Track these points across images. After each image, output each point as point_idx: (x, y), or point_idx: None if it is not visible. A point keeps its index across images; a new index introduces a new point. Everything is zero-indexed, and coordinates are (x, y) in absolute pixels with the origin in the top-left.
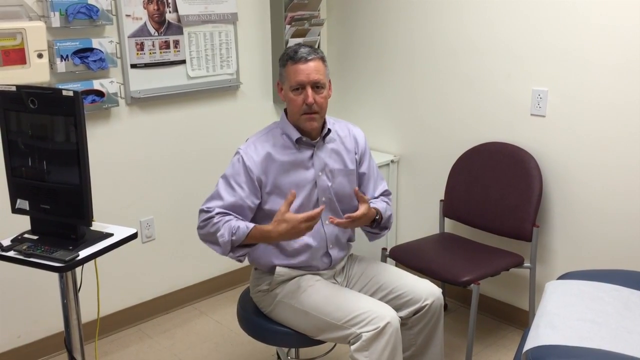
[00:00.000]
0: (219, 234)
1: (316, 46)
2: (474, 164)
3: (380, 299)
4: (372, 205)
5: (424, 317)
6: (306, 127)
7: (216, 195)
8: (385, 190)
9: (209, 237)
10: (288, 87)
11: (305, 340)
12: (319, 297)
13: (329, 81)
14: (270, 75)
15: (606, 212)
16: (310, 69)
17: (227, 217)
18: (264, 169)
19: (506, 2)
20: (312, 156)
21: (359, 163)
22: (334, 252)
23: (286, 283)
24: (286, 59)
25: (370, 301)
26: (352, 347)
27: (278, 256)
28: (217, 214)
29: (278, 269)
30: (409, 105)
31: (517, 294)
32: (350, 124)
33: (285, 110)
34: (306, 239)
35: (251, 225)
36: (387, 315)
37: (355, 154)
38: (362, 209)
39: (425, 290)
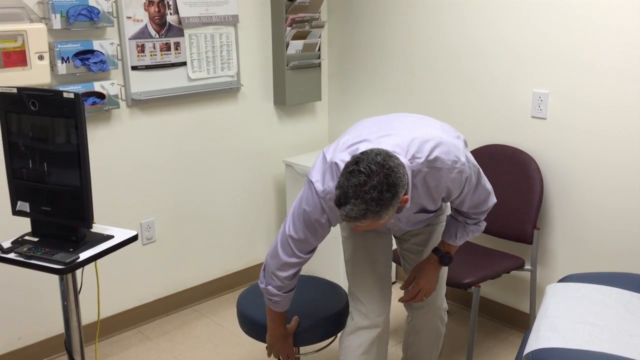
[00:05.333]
0: (273, 284)
1: (316, 49)
2: None
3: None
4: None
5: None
6: None
7: (303, 235)
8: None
9: (271, 268)
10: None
11: (305, 339)
12: (355, 246)
13: (404, 193)
14: (271, 77)
15: (607, 215)
16: (358, 226)
17: (294, 284)
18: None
19: (507, 4)
20: None
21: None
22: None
23: None
24: (335, 201)
25: (380, 295)
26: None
27: None
28: (296, 272)
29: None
30: (410, 107)
31: (518, 297)
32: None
33: None
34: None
35: (284, 310)
36: (381, 324)
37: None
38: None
39: (436, 314)
